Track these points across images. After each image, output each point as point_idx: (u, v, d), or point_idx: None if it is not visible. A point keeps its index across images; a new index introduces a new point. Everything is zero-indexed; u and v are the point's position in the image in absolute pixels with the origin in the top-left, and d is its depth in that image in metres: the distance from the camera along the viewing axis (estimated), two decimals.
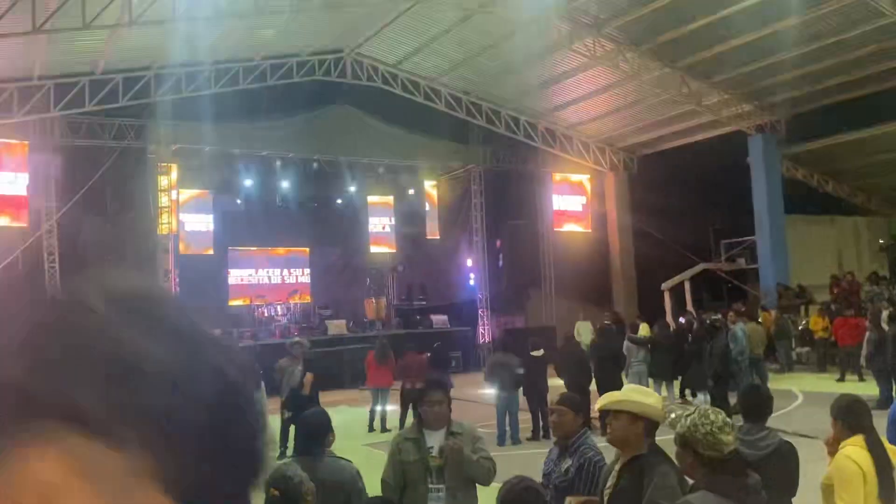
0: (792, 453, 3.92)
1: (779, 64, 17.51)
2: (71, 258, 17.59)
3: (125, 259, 18.08)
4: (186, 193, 19.69)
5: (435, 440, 4.21)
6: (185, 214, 19.63)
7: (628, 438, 3.26)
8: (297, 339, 15.01)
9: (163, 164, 17.71)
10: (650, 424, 3.26)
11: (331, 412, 11.65)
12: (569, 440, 3.96)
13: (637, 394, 3.48)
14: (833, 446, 3.78)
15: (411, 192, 23.95)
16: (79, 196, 16.99)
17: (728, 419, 2.75)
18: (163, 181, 17.57)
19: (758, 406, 4.10)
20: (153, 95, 17.20)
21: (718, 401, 11.24)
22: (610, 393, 3.68)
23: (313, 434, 4.17)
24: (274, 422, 9.87)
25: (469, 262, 22.99)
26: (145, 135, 17.85)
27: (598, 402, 3.60)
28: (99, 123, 17.59)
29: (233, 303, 21.41)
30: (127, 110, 17.33)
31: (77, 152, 17.51)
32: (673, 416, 2.89)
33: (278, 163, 20.25)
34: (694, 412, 2.80)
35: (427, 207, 24.33)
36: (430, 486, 4.14)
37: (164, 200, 17.49)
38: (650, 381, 12.50)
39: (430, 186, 24.31)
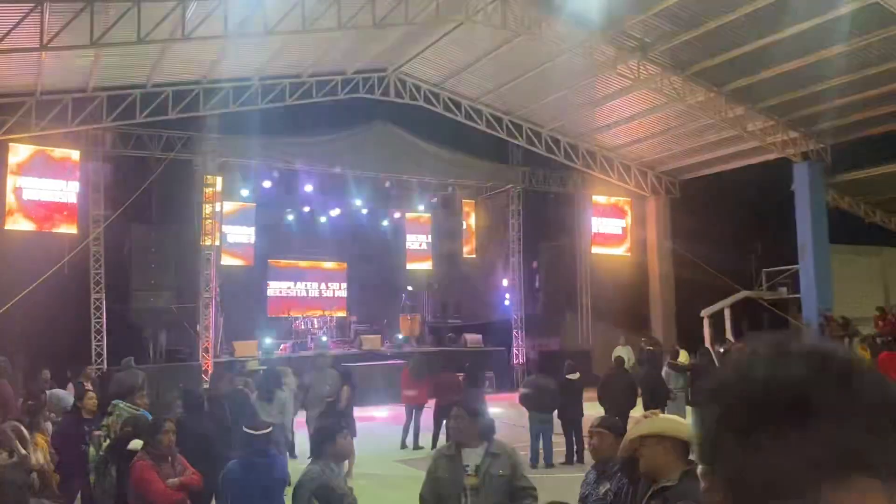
0: None
1: (826, 91, 17.25)
2: (116, 265, 18.04)
3: (168, 268, 18.47)
4: (230, 205, 20.05)
5: (472, 459, 4.20)
6: (227, 226, 19.97)
7: (658, 465, 3.12)
8: (320, 352, 15.18)
9: (208, 177, 18.04)
10: (679, 446, 3.11)
11: (364, 427, 11.69)
12: (608, 464, 3.93)
13: (663, 418, 3.39)
14: None
15: (449, 210, 24.04)
16: (126, 205, 17.42)
17: None
18: (207, 193, 17.91)
19: None
20: (201, 109, 17.59)
21: None
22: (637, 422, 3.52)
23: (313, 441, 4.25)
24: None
25: (505, 283, 22.95)
26: (192, 147, 18.25)
27: (631, 433, 3.42)
28: (148, 135, 18.04)
29: (271, 314, 21.67)
30: (175, 123, 17.75)
31: (126, 163, 17.99)
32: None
33: (320, 178, 20.51)
34: None
35: (464, 226, 24.40)
36: None
37: (207, 211, 17.81)
38: (688, 409, 12.32)
39: (468, 205, 24.38)
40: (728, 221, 21.00)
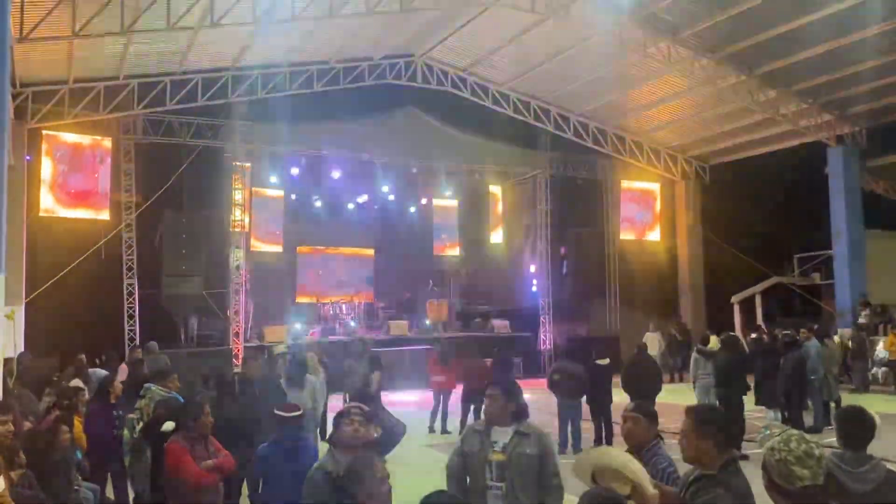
0: None
1: (861, 73, 16.91)
2: (148, 251, 18.28)
3: (199, 254, 18.67)
4: (259, 192, 20.18)
5: (501, 437, 4.21)
6: (257, 212, 20.12)
7: (695, 454, 3.16)
8: (358, 336, 15.23)
9: (237, 163, 18.17)
10: (719, 437, 3.12)
11: (392, 412, 11.72)
12: (641, 450, 3.90)
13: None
14: None
15: (476, 196, 23.96)
16: (157, 192, 17.63)
17: (814, 451, 2.56)
18: (237, 180, 18.04)
19: (861, 432, 3.77)
20: (230, 96, 17.70)
21: (792, 419, 10.86)
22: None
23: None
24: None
25: (532, 269, 22.85)
26: (222, 134, 18.37)
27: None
28: (178, 122, 18.20)
29: (300, 299, 21.84)
30: (205, 110, 17.89)
31: (156, 150, 18.17)
32: (766, 432, 2.75)
33: (347, 164, 20.54)
34: (780, 434, 2.65)
35: (492, 212, 24.31)
36: (490, 482, 4.13)
37: (237, 198, 17.95)
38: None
39: (495, 191, 24.28)
40: (759, 206, 20.70)
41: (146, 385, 6.95)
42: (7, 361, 10.60)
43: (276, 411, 5.15)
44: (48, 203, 16.98)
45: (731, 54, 17.26)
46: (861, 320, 18.27)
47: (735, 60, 17.52)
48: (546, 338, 21.73)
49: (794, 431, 2.68)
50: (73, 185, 17.27)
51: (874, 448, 3.80)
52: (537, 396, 13.70)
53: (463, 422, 12.14)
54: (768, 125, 20.19)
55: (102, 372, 9.59)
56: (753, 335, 14.95)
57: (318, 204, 21.89)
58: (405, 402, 15.84)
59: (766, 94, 18.54)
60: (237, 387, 7.61)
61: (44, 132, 16.81)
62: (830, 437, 4.23)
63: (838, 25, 15.10)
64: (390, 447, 4.33)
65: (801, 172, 20.83)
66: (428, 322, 21.86)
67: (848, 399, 13.10)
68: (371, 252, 23.56)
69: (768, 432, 2.74)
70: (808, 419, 11.77)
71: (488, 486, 4.10)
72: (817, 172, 20.33)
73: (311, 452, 5.04)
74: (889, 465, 3.73)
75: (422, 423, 12.85)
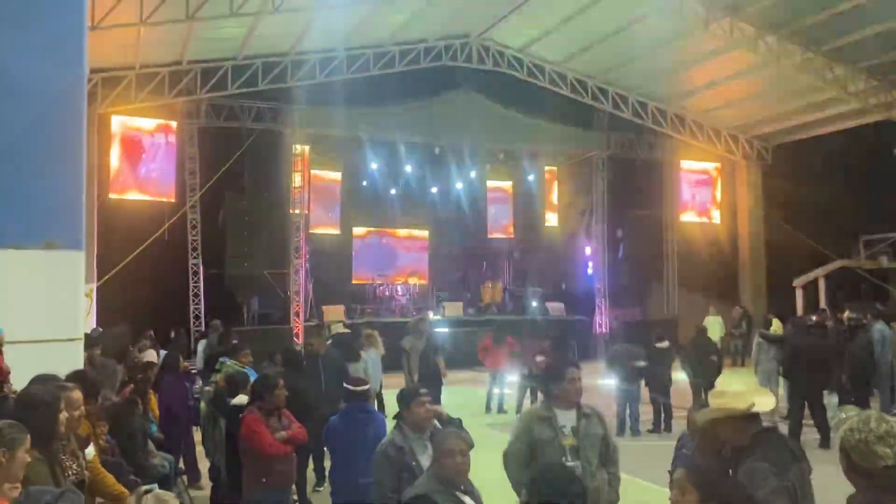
0: None
1: None
2: (211, 232, 18.80)
3: (260, 235, 19.13)
4: (317, 174, 20.51)
5: (566, 420, 4.27)
6: (315, 194, 20.46)
7: (727, 434, 3.24)
8: (420, 316, 15.37)
9: (296, 147, 18.48)
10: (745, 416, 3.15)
11: (448, 392, 11.85)
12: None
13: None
14: None
15: (531, 178, 23.87)
16: (219, 175, 18.07)
17: (895, 430, 2.51)
18: (296, 162, 18.36)
19: None
20: (289, 80, 17.98)
21: (858, 403, 10.63)
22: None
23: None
24: None
25: (588, 251, 22.71)
26: (281, 118, 18.69)
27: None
28: (239, 106, 18.59)
29: (356, 281, 22.17)
30: (265, 94, 18.22)
31: (218, 133, 18.62)
32: (841, 416, 2.74)
33: (403, 147, 20.68)
34: (857, 415, 2.64)
35: (547, 194, 24.19)
36: (567, 463, 4.20)
37: (296, 181, 18.27)
38: (781, 379, 11.98)
39: (551, 173, 24.14)
40: (823, 187, 20.09)
41: (221, 359, 7.25)
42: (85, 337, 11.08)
43: (346, 385, 5.32)
44: (116, 186, 17.57)
45: (797, 30, 16.75)
46: None
47: (800, 37, 16.99)
48: (602, 321, 21.61)
49: (872, 411, 2.67)
50: (139, 168, 17.84)
51: None
52: (591, 379, 13.72)
53: (519, 402, 12.26)
54: (834, 103, 19.54)
55: (163, 351, 10.00)
56: (814, 319, 14.47)
57: (375, 187, 22.10)
58: (461, 380, 16.02)
59: (832, 72, 17.96)
60: (304, 362, 7.83)
61: (112, 117, 17.37)
62: None
63: None
64: None
65: (868, 152, 20.13)
66: (482, 303, 21.96)
67: None
68: (426, 234, 23.75)
69: (843, 416, 2.72)
70: (875, 405, 11.49)
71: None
72: (886, 152, 19.64)
73: (381, 423, 5.19)
74: None
75: (478, 402, 13.01)
